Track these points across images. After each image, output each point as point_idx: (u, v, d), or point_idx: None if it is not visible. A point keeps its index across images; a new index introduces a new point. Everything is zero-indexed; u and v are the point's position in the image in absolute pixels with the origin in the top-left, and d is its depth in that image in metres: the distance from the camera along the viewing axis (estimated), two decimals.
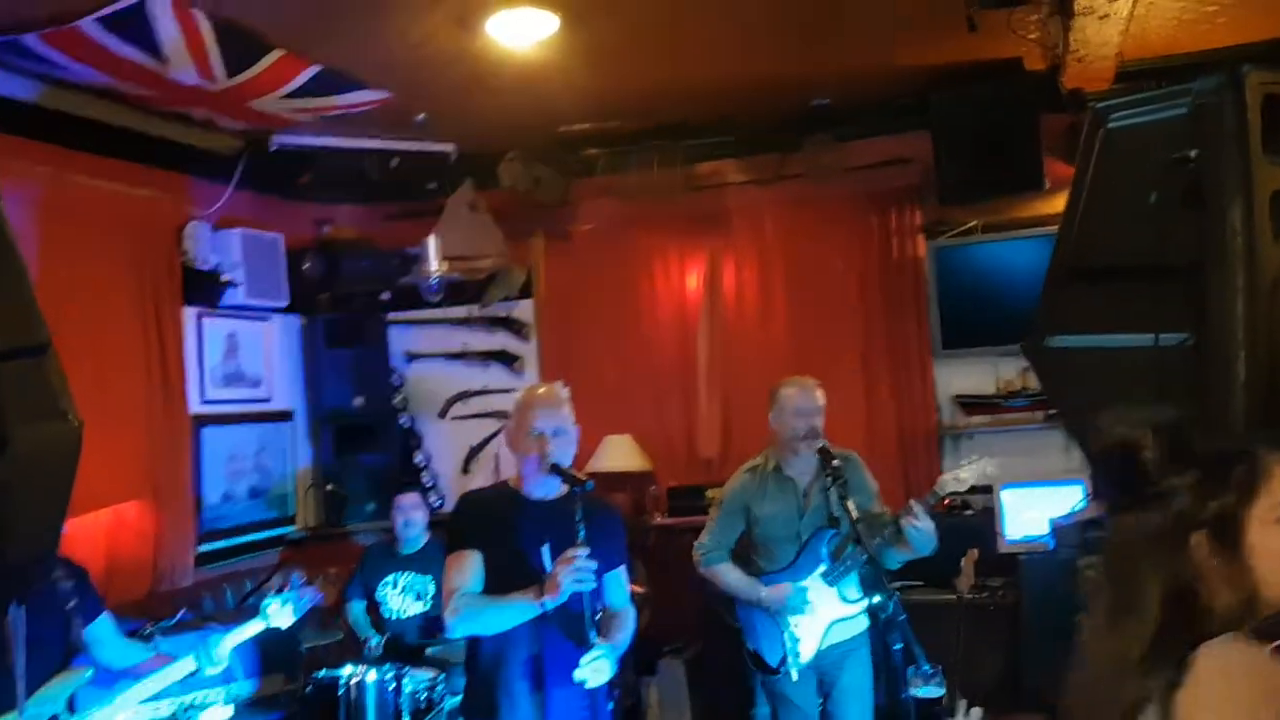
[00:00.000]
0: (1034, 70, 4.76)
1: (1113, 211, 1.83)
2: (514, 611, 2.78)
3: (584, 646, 2.72)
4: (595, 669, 2.70)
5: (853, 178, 5.50)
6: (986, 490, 5.08)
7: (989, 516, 4.99)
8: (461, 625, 2.84)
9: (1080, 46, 4.00)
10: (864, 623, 3.71)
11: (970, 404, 5.40)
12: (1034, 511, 4.85)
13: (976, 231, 5.36)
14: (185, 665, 3.35)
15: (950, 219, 5.40)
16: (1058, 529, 4.62)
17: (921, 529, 3.39)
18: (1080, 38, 3.90)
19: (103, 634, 3.30)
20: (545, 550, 2.81)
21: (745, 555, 3.77)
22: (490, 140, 5.43)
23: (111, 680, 3.31)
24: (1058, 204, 4.72)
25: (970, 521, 5.00)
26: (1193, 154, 1.70)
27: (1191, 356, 1.69)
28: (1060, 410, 2.44)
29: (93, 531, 4.40)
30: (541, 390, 3.04)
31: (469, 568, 2.87)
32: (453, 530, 2.99)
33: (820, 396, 3.67)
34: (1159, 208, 1.71)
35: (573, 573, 2.68)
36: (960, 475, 3.51)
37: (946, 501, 5.23)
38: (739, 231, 5.83)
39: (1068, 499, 4.79)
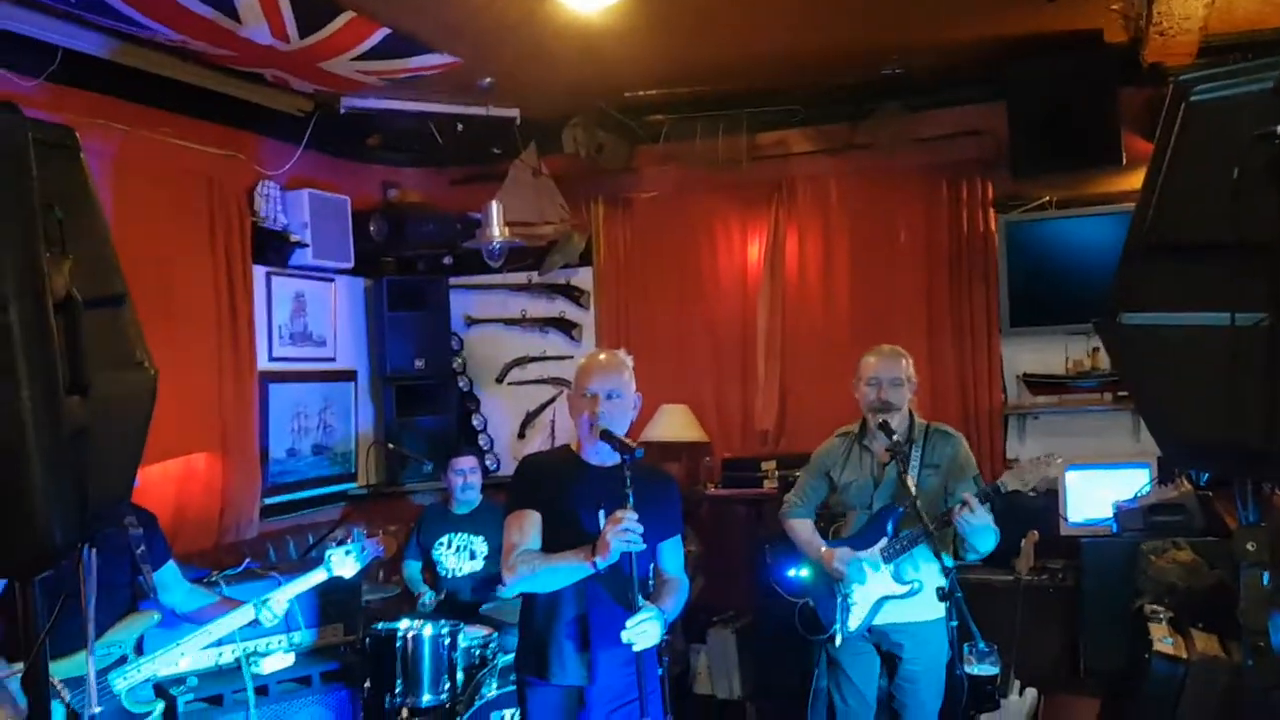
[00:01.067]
0: (1114, 43, 4.64)
1: (1193, 187, 1.78)
2: (566, 571, 2.82)
3: (631, 610, 2.75)
4: (641, 631, 2.72)
5: (923, 148, 5.40)
6: None
7: (1051, 498, 4.92)
8: (518, 583, 2.88)
9: (1164, 19, 3.87)
10: (934, 609, 3.50)
11: (1037, 383, 5.30)
12: (1098, 494, 4.77)
13: (1049, 207, 5.24)
14: (245, 614, 3.45)
15: (1023, 193, 5.28)
16: (1121, 512, 4.54)
17: (975, 523, 3.32)
18: (1164, 10, 3.78)
19: (168, 579, 3.41)
20: (600, 515, 2.83)
21: (837, 518, 3.83)
22: (555, 105, 5.44)
23: (176, 623, 3.42)
24: (1134, 180, 4.64)
25: (1032, 503, 4.88)
26: (1278, 129, 1.65)
27: (1268, 337, 1.65)
28: (1131, 389, 2.39)
29: (163, 481, 4.54)
30: (602, 356, 3.06)
31: (528, 527, 2.91)
32: (513, 491, 3.03)
33: (902, 367, 3.62)
34: (1241, 184, 1.67)
35: (621, 533, 2.70)
36: (1024, 476, 3.45)
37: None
38: (803, 201, 5.76)
39: (1132, 482, 4.70)
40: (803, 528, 3.79)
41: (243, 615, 3.45)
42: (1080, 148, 4.85)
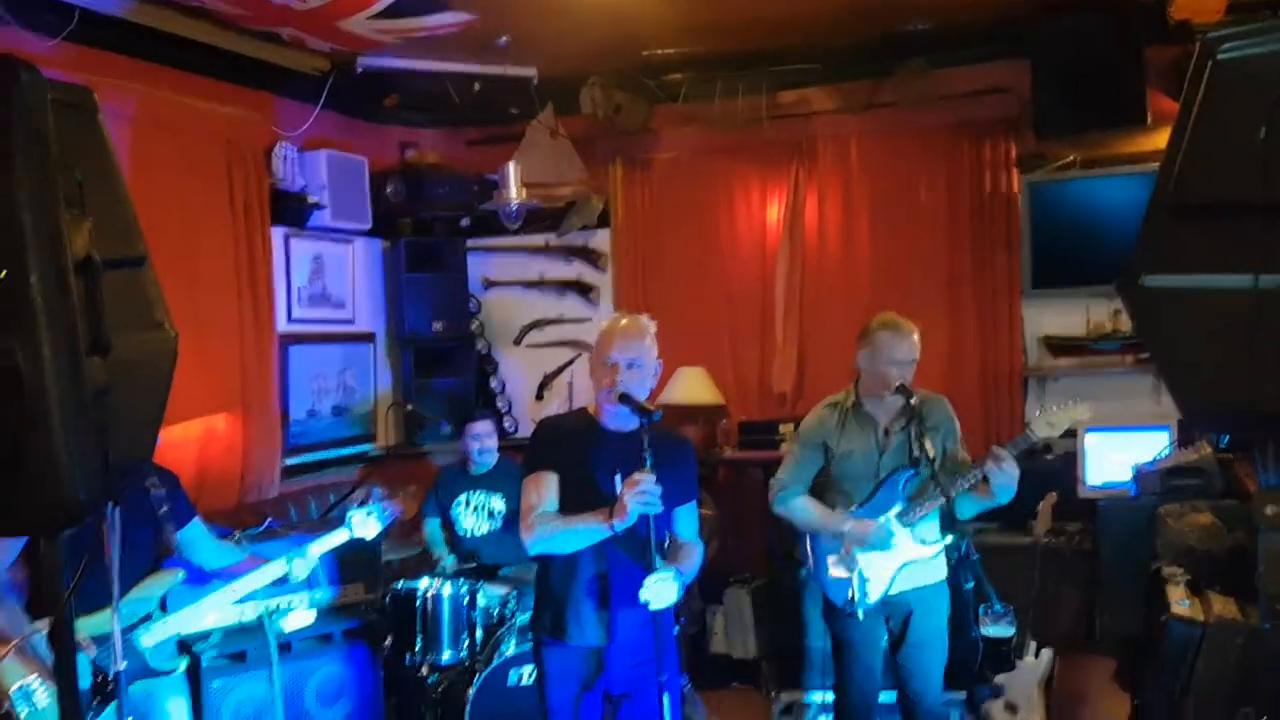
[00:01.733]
0: (1141, 0, 4.55)
1: (1219, 146, 1.75)
2: (584, 533, 2.84)
3: (649, 571, 2.76)
4: (658, 591, 2.74)
5: (946, 107, 5.35)
6: (1070, 434, 4.99)
7: (1070, 460, 4.91)
8: (536, 544, 2.90)
9: None
10: (941, 571, 3.60)
11: (1058, 346, 5.27)
12: (1117, 456, 4.76)
13: (1073, 167, 5.19)
14: (276, 568, 3.49)
15: (1046, 153, 5.22)
16: (1140, 475, 4.53)
17: (1007, 473, 3.30)
18: None
19: (195, 537, 3.45)
20: (617, 480, 2.83)
21: (819, 494, 3.69)
22: (572, 64, 5.39)
23: (204, 580, 3.47)
24: (1160, 140, 4.58)
25: (1051, 465, 4.92)
26: None
27: None
28: (1152, 351, 2.37)
29: (185, 442, 4.58)
30: (624, 322, 3.04)
31: (546, 488, 2.93)
32: (530, 453, 3.04)
33: (918, 343, 3.54)
34: (1268, 143, 1.64)
35: (639, 495, 2.71)
36: (1054, 420, 3.41)
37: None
38: (824, 161, 5.72)
39: (1152, 445, 4.69)
40: (810, 506, 3.65)
41: (274, 569, 3.48)
42: (1105, 106, 4.79)
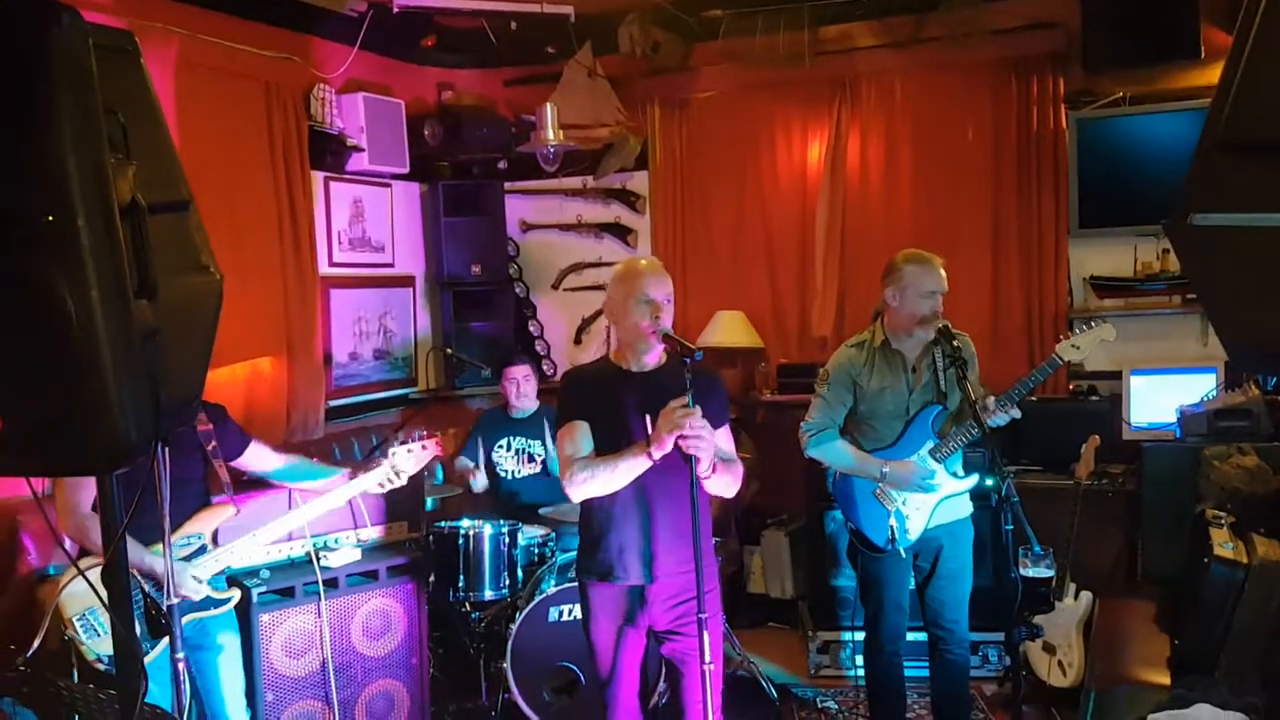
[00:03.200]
0: None
1: (1274, 81, 1.70)
2: (625, 468, 2.87)
3: (690, 508, 2.78)
4: (694, 421, 2.73)
5: (993, 42, 5.23)
6: (1115, 376, 4.94)
7: (1115, 403, 4.86)
8: (579, 490, 2.93)
9: None
10: (968, 506, 3.68)
11: (1104, 286, 5.19)
12: (1162, 399, 4.71)
13: (1123, 103, 5.06)
14: (328, 499, 3.56)
15: (1095, 89, 5.10)
16: (1185, 416, 4.47)
17: (1001, 421, 3.41)
18: None
19: (255, 457, 3.50)
20: (648, 420, 2.86)
21: (845, 433, 3.71)
22: (610, 1, 5.30)
23: (259, 518, 3.54)
24: (1213, 75, 4.47)
25: (1095, 407, 4.88)
26: None
27: None
28: (1200, 292, 2.33)
29: (231, 383, 4.67)
30: (645, 262, 3.08)
31: (579, 437, 2.97)
32: (560, 406, 3.08)
33: (944, 275, 3.55)
34: None
35: (675, 422, 2.72)
36: (1076, 343, 3.46)
37: (1069, 380, 5.11)
38: (867, 99, 5.62)
39: (1198, 387, 4.62)
40: (848, 449, 3.64)
41: (325, 501, 3.56)
42: (1157, 40, 4.66)
